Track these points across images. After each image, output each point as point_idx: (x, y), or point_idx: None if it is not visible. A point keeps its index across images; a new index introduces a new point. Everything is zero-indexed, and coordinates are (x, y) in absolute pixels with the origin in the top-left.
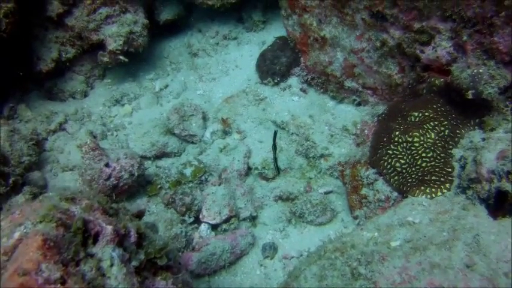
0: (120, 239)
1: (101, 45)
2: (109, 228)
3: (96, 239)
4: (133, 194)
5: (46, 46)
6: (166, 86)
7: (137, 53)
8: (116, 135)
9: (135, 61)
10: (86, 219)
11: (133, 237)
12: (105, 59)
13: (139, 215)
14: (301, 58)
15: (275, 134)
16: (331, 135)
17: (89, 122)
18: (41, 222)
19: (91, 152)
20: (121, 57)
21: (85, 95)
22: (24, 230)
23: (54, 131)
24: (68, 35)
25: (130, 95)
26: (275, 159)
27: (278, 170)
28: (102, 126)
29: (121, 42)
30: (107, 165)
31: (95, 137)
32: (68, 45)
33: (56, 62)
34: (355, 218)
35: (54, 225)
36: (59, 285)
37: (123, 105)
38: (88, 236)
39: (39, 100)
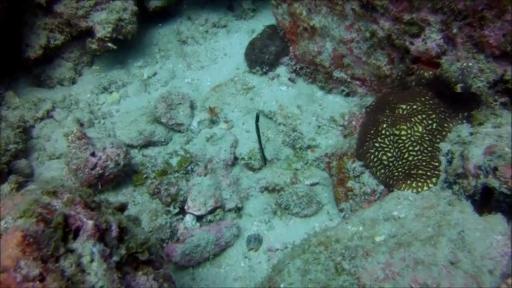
0: (101, 234)
1: (89, 32)
2: (90, 223)
3: (76, 234)
4: (119, 183)
5: (35, 33)
6: (155, 74)
7: (126, 40)
8: (103, 123)
9: (123, 48)
10: (67, 214)
11: (114, 232)
12: (94, 46)
13: (122, 208)
14: (290, 47)
15: (257, 116)
16: (319, 126)
17: (76, 110)
18: (21, 217)
19: (77, 141)
20: (109, 44)
21: (73, 82)
22: (5, 225)
23: (42, 119)
24: (57, 22)
25: (118, 82)
26: (261, 149)
27: (265, 160)
28: (89, 114)
29: (110, 29)
30: (92, 154)
31: (82, 124)
32: (57, 31)
33: (44, 48)
34: (341, 210)
35: (34, 220)
36: (37, 282)
37: (111, 92)
38: (69, 231)
39: (27, 87)
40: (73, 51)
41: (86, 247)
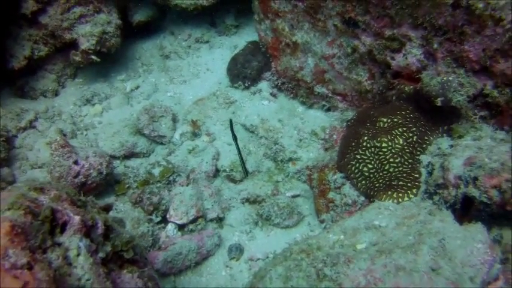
0: (87, 230)
1: (73, 45)
2: (77, 218)
3: (63, 228)
4: (102, 192)
5: (19, 43)
6: (137, 87)
7: (109, 54)
8: (86, 135)
9: (107, 62)
10: (54, 209)
11: (100, 229)
12: (78, 58)
13: (107, 208)
14: (272, 63)
15: (231, 123)
16: (300, 140)
17: (59, 121)
18: (9, 209)
19: (60, 149)
20: (93, 57)
21: (56, 93)
22: None
23: (24, 129)
24: (41, 33)
25: (101, 95)
26: (242, 161)
27: (246, 172)
28: (72, 125)
29: (94, 42)
30: (75, 162)
31: (64, 135)
32: (41, 43)
33: (28, 59)
34: (322, 221)
35: (22, 212)
36: (25, 270)
37: (93, 104)
38: (56, 225)
39: (10, 97)
40: (56, 63)
41: (72, 241)
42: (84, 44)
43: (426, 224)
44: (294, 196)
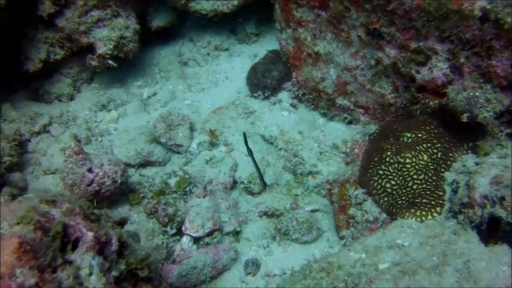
0: (100, 247)
1: (90, 49)
2: (90, 234)
3: (75, 245)
4: (115, 201)
5: (35, 46)
6: (155, 94)
7: (127, 59)
8: (101, 141)
9: (124, 67)
10: (66, 224)
11: (114, 246)
12: (94, 63)
13: (122, 222)
14: (293, 73)
15: (245, 136)
16: (320, 153)
17: (73, 126)
18: (18, 224)
19: (74, 155)
20: (110, 61)
21: (71, 98)
22: (0, 231)
23: (38, 133)
24: (58, 36)
25: (117, 100)
26: (260, 174)
27: (264, 185)
28: (87, 130)
29: (111, 46)
30: (89, 170)
31: (79, 141)
32: (57, 46)
33: (43, 62)
34: (342, 238)
35: (32, 227)
36: None
37: (109, 110)
38: (67, 241)
39: (25, 101)
40: (72, 67)
41: (84, 259)
42: (101, 49)
43: (451, 245)
44: (313, 211)
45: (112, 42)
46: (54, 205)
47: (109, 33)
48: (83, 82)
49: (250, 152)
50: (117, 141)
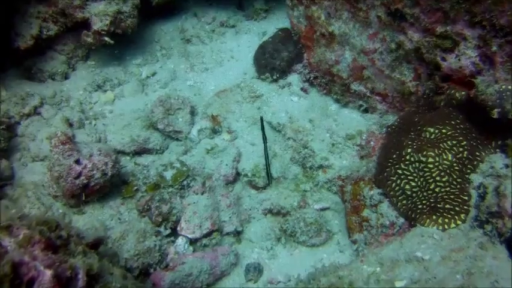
0: (63, 286)
1: (85, 24)
2: (48, 274)
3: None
4: (106, 194)
5: (26, 21)
6: (154, 74)
7: (125, 35)
8: (95, 125)
9: (122, 43)
10: (18, 262)
11: (81, 281)
12: (89, 40)
13: (97, 243)
14: (305, 54)
15: (262, 121)
16: (333, 144)
17: (66, 108)
18: None
19: (61, 145)
20: (106, 38)
21: (66, 77)
22: None
23: (28, 115)
24: (51, 11)
25: (113, 80)
26: (267, 167)
27: (270, 178)
28: (80, 113)
29: (107, 22)
30: (77, 161)
31: (71, 125)
32: (51, 21)
33: (35, 39)
34: (354, 242)
35: None
36: None
37: (105, 91)
38: (19, 283)
39: (16, 79)
40: (67, 43)
41: None
42: (97, 24)
43: (477, 261)
44: (322, 209)
45: (108, 18)
46: (9, 232)
47: (105, 8)
48: (78, 60)
49: (264, 140)
50: (111, 126)
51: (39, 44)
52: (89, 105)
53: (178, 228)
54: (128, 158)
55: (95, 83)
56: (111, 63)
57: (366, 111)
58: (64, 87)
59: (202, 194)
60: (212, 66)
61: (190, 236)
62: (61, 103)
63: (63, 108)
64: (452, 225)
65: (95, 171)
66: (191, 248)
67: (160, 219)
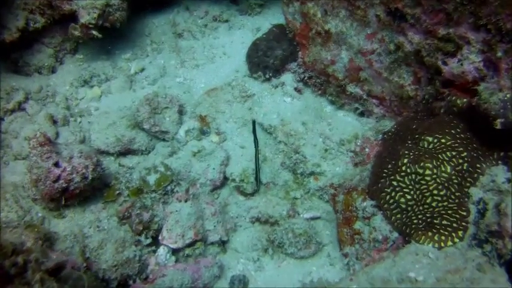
0: None
1: (73, 16)
2: None
3: None
4: (88, 198)
5: (13, 13)
6: (143, 69)
7: (114, 29)
8: (80, 122)
9: (112, 37)
10: None
11: None
12: (77, 33)
13: (57, 269)
14: (300, 53)
15: (254, 125)
16: (325, 150)
17: (51, 104)
18: None
19: (39, 147)
20: (94, 32)
21: (53, 70)
22: None
23: (12, 111)
24: (38, 3)
25: (101, 76)
26: (257, 172)
27: (258, 184)
28: (65, 109)
29: (95, 15)
30: (56, 164)
31: (55, 122)
32: (38, 13)
33: (21, 31)
34: (345, 255)
35: None
36: None
37: (92, 87)
38: None
39: (2, 73)
40: (55, 36)
41: None
42: (84, 17)
43: (474, 284)
44: (313, 218)
45: (96, 11)
46: None
47: (93, 0)
48: (66, 53)
49: (256, 144)
50: (96, 125)
51: (26, 36)
52: (74, 101)
53: (159, 238)
54: (112, 158)
55: (82, 78)
56: (100, 58)
57: (361, 114)
58: (51, 81)
59: (185, 201)
60: (203, 62)
61: (172, 246)
62: (46, 99)
63: (48, 104)
64: (449, 243)
65: (74, 175)
66: (173, 258)
67: (141, 228)
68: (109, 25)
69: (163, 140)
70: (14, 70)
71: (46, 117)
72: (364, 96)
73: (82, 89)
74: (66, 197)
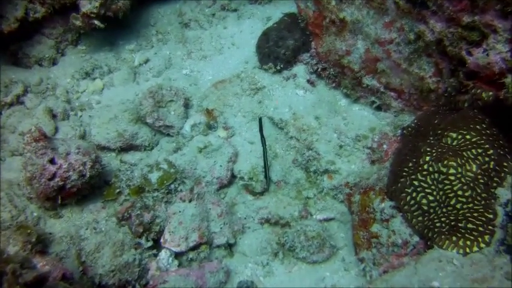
0: None
1: (75, 6)
2: None
3: None
4: (86, 197)
5: (12, 2)
6: (147, 61)
7: (117, 19)
8: (80, 116)
9: (115, 27)
10: None
11: None
12: (78, 23)
13: (38, 282)
14: (313, 43)
15: (260, 121)
16: (340, 146)
17: (51, 97)
18: None
19: (33, 143)
20: (96, 21)
21: (54, 62)
22: None
23: (11, 104)
24: None
25: (103, 68)
26: (266, 170)
27: (268, 182)
28: (65, 103)
29: (97, 4)
30: (51, 161)
31: (54, 116)
32: (37, 3)
33: (20, 21)
34: (361, 260)
35: None
36: None
37: (93, 79)
38: None
39: (2, 65)
40: (56, 27)
41: None
42: (86, 6)
43: None
44: (327, 220)
45: (98, 0)
46: None
47: None
48: (67, 44)
49: (263, 142)
50: (96, 119)
51: (26, 27)
52: (75, 95)
53: (161, 240)
54: (114, 154)
55: (83, 70)
56: (103, 49)
57: (378, 108)
58: (51, 73)
59: (190, 201)
60: (211, 53)
61: (175, 249)
62: (46, 92)
63: (48, 98)
64: (475, 248)
65: (71, 172)
66: (176, 263)
67: (141, 230)
68: (112, 14)
69: (168, 135)
70: (14, 62)
71: (45, 111)
72: (382, 89)
73: (84, 82)
74: (63, 195)
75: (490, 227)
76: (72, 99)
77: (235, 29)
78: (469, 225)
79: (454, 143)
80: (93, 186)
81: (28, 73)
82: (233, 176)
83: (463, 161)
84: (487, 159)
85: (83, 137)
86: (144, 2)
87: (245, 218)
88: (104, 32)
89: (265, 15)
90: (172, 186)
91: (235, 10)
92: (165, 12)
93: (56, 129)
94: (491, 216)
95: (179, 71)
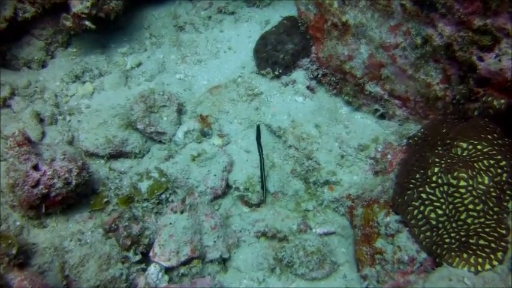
0: None
1: (65, 6)
2: None
3: None
4: (73, 206)
5: (0, 2)
6: (139, 64)
7: (110, 20)
8: (69, 121)
9: (107, 29)
10: None
11: None
12: (68, 24)
13: None
14: (313, 47)
15: (258, 129)
16: (342, 156)
17: (39, 100)
18: None
19: (16, 147)
20: (87, 22)
21: (43, 65)
22: None
23: None
24: None
25: (94, 71)
26: (263, 181)
27: (265, 193)
28: (53, 107)
29: (88, 4)
30: (35, 167)
31: (42, 120)
32: (27, 2)
33: (9, 21)
34: (364, 278)
35: None
36: None
37: (83, 82)
38: None
39: None
40: (46, 27)
41: None
42: (77, 7)
43: None
44: (327, 234)
45: (90, 0)
46: None
47: None
48: (58, 46)
49: (260, 151)
50: (85, 124)
51: (14, 27)
52: (64, 98)
53: (151, 254)
54: (102, 162)
55: (73, 73)
56: (94, 51)
57: (382, 117)
58: (40, 76)
59: (181, 212)
60: (206, 57)
61: (165, 263)
62: (34, 95)
63: (35, 101)
64: (487, 266)
65: (55, 180)
66: (166, 278)
67: (129, 242)
68: (104, 15)
69: (160, 142)
70: (2, 64)
71: (32, 115)
72: (385, 97)
73: (73, 85)
74: (47, 204)
75: (502, 243)
76: (60, 103)
77: (232, 33)
78: (481, 242)
79: (464, 154)
80: (80, 195)
81: (16, 75)
82: (228, 186)
83: (474, 173)
84: (499, 171)
85: (70, 142)
86: (138, 3)
87: (240, 231)
88: (96, 34)
89: (264, 18)
90: (163, 196)
91: (232, 13)
92: (159, 14)
93: (43, 134)
94: (503, 231)
95: (173, 75)
